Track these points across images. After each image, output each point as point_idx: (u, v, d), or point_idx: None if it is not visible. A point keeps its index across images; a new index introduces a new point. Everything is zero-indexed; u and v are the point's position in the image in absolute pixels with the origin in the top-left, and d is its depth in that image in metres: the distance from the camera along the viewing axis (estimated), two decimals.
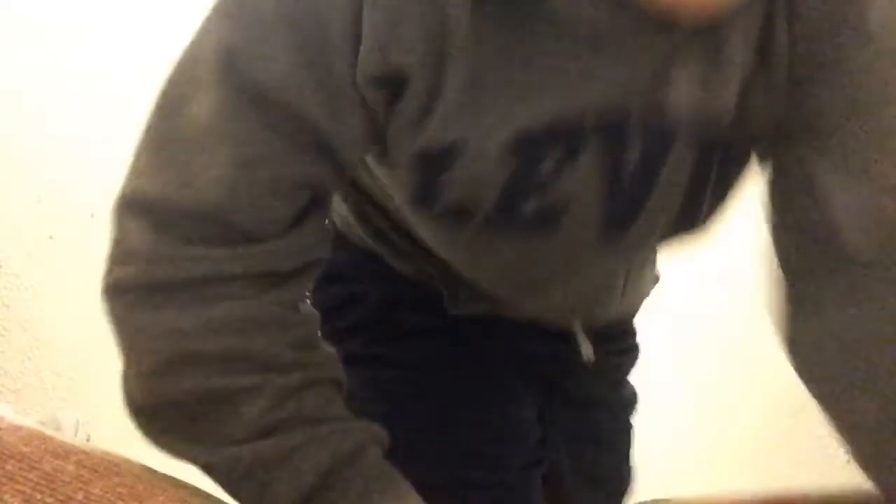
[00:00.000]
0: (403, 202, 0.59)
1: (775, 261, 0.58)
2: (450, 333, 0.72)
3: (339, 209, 0.74)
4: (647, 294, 0.80)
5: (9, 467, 0.42)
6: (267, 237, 0.51)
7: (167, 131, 0.51)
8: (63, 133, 1.36)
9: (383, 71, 0.48)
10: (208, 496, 0.51)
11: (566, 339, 0.73)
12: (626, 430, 0.86)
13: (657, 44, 0.50)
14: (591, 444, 0.80)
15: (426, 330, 0.72)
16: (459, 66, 0.49)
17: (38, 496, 0.41)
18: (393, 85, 0.49)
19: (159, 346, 0.51)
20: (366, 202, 0.70)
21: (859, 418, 0.52)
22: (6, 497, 0.41)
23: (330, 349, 0.55)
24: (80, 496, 0.42)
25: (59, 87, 1.37)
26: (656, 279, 0.81)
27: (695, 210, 0.58)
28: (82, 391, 1.29)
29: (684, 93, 0.52)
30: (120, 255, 0.52)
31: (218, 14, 0.50)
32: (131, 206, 0.51)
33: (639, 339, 0.87)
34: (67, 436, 0.53)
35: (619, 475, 0.85)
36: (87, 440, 1.22)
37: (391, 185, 0.61)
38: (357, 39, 0.47)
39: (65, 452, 0.44)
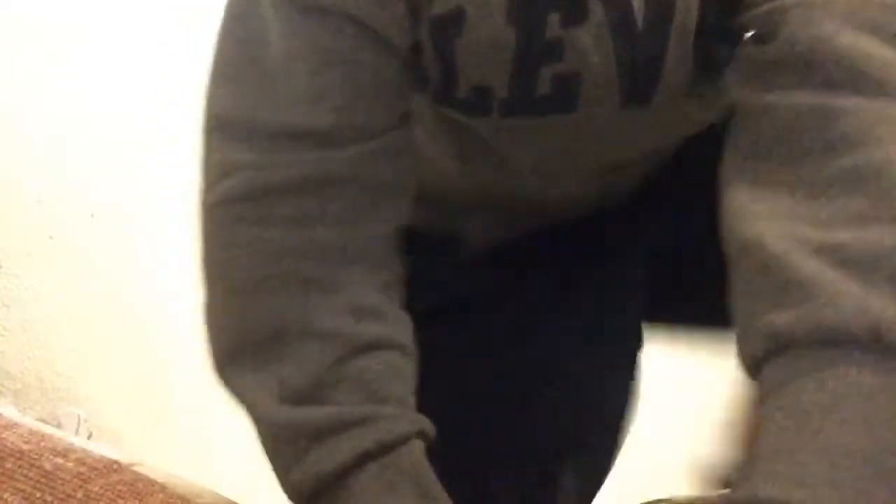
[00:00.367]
0: (429, 108, 0.62)
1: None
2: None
3: None
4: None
5: (8, 465, 0.42)
6: (356, 140, 0.55)
7: (245, 58, 0.55)
8: (63, 133, 1.36)
9: None
10: (209, 493, 0.51)
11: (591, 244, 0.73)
12: None
13: None
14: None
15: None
16: None
17: (38, 494, 0.42)
18: None
19: (258, 262, 0.54)
20: None
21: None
22: (6, 495, 0.41)
23: (404, 313, 0.57)
24: (79, 494, 0.42)
25: (59, 87, 1.37)
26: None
27: (716, 64, 0.58)
28: (82, 391, 1.29)
29: None
30: (222, 170, 0.55)
31: None
32: (224, 129, 0.55)
33: None
34: (68, 433, 0.53)
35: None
36: (89, 437, 1.22)
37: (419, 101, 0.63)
38: None
39: (64, 450, 0.44)
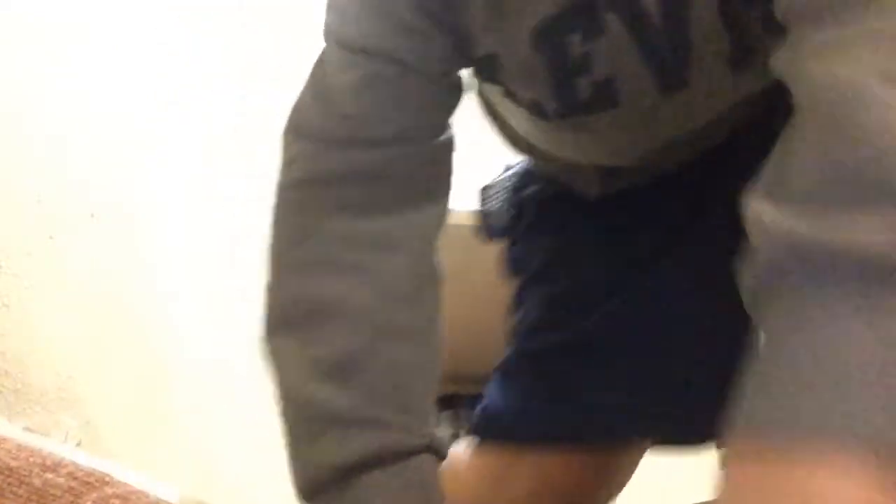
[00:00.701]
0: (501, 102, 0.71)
1: None
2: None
3: None
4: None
5: None
6: (401, 144, 0.62)
7: (312, 81, 0.65)
8: (63, 133, 1.36)
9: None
10: (201, 503, 0.51)
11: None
12: None
13: None
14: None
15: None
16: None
17: None
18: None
19: (305, 243, 0.60)
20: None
21: None
22: None
23: (438, 308, 0.63)
24: None
25: (59, 87, 1.37)
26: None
27: (748, 38, 0.59)
28: (82, 391, 1.29)
29: None
30: (287, 161, 0.64)
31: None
32: (296, 130, 0.64)
33: None
34: (56, 442, 0.53)
35: None
36: (78, 445, 1.22)
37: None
38: None
39: (54, 465, 0.44)
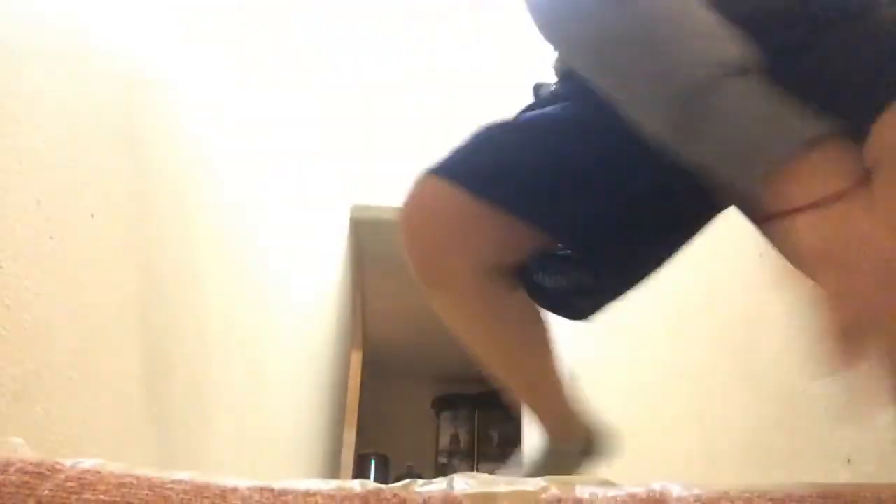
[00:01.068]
0: None
1: None
2: None
3: None
4: None
5: None
6: None
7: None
8: (63, 133, 1.36)
9: None
10: (191, 500, 0.51)
11: None
12: None
13: None
14: None
15: None
16: None
17: None
18: None
19: None
20: None
21: None
22: None
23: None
24: (31, 502, 0.42)
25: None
26: None
27: None
28: (82, 391, 1.29)
29: None
30: None
31: None
32: None
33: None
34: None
35: None
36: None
37: None
38: None
39: (3, 467, 0.43)
